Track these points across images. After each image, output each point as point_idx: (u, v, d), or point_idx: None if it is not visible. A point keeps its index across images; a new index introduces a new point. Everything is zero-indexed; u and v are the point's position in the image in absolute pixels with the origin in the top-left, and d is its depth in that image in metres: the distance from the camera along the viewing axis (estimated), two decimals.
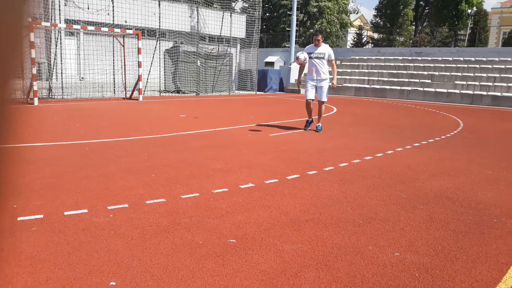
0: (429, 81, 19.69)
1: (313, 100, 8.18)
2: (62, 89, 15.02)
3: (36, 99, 12.01)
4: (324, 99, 8.19)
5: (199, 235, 3.10)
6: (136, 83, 15.00)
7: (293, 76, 23.34)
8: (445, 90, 18.63)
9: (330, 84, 8.25)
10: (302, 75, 8.88)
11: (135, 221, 3.31)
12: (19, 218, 3.30)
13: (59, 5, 15.87)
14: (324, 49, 8.03)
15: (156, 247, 2.87)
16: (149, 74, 17.67)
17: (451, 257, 2.87)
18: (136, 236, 3.04)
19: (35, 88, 11.97)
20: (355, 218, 3.55)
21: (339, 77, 22.22)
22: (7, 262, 2.57)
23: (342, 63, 24.32)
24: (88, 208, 3.57)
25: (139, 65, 14.60)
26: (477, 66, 19.40)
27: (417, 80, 19.96)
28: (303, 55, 7.93)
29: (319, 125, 8.25)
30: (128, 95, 15.40)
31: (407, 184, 4.66)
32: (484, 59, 19.76)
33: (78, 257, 2.68)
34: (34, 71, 11.89)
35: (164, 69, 19.01)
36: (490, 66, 19.06)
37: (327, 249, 2.93)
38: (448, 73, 19.64)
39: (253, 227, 3.27)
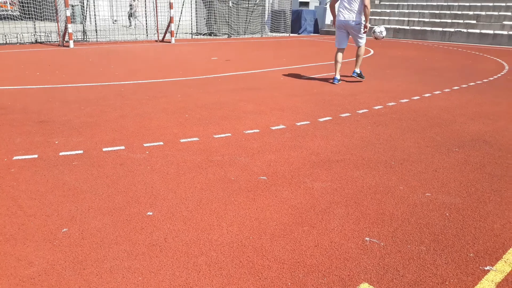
0: (474, 21, 18.46)
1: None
2: (96, 32, 15.12)
3: (71, 42, 12.18)
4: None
5: (231, 172, 3.18)
6: (168, 25, 14.87)
7: (329, 17, 22.42)
8: (491, 32, 17.47)
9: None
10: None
11: (170, 158, 3.42)
12: (61, 153, 3.47)
13: None
14: None
15: (190, 181, 2.98)
16: (180, 16, 17.42)
17: (484, 198, 2.83)
18: (171, 171, 3.15)
19: (70, 30, 12.10)
20: (387, 159, 3.53)
21: (375, 17, 21.17)
22: (52, 193, 2.75)
23: (381, 2, 23.05)
24: (125, 145, 3.71)
25: (171, 6, 14.39)
26: None
27: (461, 21, 18.75)
28: (379, 29, 7.27)
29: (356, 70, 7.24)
30: (160, 38, 15.35)
31: (443, 127, 4.53)
32: None
33: (116, 189, 2.83)
34: (68, 13, 11.96)
35: (196, 11, 18.66)
36: None
37: (357, 188, 2.95)
38: (496, 13, 18.30)
39: (283, 166, 3.32)
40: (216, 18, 18.32)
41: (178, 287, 1.88)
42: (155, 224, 2.40)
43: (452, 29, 18.57)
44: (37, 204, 2.60)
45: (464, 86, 7.13)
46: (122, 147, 3.64)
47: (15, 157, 3.35)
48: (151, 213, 2.51)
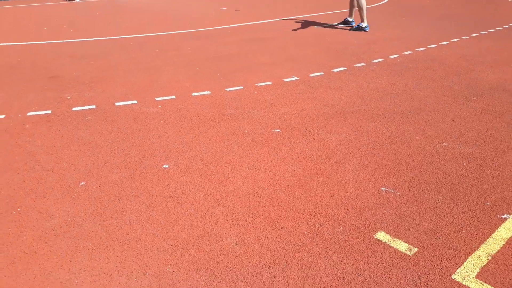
0: None
1: None
2: None
3: None
4: None
5: (244, 125, 3.15)
6: None
7: None
8: None
9: None
10: None
11: (182, 112, 3.40)
12: (74, 108, 3.47)
13: None
14: None
15: (204, 135, 2.97)
16: None
17: (502, 148, 2.79)
18: (184, 125, 3.14)
19: None
20: (403, 109, 3.46)
21: None
22: (67, 148, 2.77)
23: None
24: (137, 99, 3.68)
25: None
26: None
27: None
28: None
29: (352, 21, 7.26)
30: None
31: (461, 75, 4.40)
32: None
33: (131, 143, 2.84)
34: None
35: None
36: None
37: (373, 138, 2.92)
38: None
39: (297, 118, 3.28)
40: None
41: (196, 236, 1.92)
42: (171, 176, 2.42)
43: None
44: (54, 158, 2.63)
45: (483, 32, 6.85)
46: (134, 102, 3.62)
47: (29, 113, 3.36)
48: (167, 166, 2.53)
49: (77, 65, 4.83)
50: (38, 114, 3.34)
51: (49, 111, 3.40)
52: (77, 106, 3.51)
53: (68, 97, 3.72)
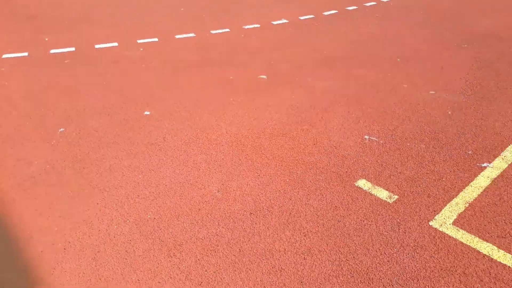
0: None
1: None
2: None
3: None
4: None
5: (229, 71, 3.07)
6: None
7: None
8: None
9: None
10: None
11: (165, 56, 3.28)
12: (52, 51, 3.33)
13: None
14: None
15: (187, 81, 2.89)
16: None
17: (488, 97, 2.76)
18: (167, 70, 3.05)
19: None
20: (393, 56, 3.38)
21: None
22: (45, 93, 2.68)
23: None
24: (118, 41, 3.54)
25: None
26: None
27: None
28: None
29: None
30: None
31: (454, 21, 4.28)
32: None
33: (112, 89, 2.76)
34: None
35: None
36: None
37: (360, 86, 2.87)
38: None
39: (284, 64, 3.20)
40: None
41: (178, 183, 1.91)
42: (153, 123, 2.37)
43: None
44: (32, 104, 2.55)
45: None
46: (115, 44, 3.48)
47: (4, 55, 3.22)
48: (148, 113, 2.47)
49: (57, 4, 4.59)
50: (14, 57, 3.21)
51: (26, 54, 3.26)
52: (56, 49, 3.37)
53: (46, 39, 3.56)
